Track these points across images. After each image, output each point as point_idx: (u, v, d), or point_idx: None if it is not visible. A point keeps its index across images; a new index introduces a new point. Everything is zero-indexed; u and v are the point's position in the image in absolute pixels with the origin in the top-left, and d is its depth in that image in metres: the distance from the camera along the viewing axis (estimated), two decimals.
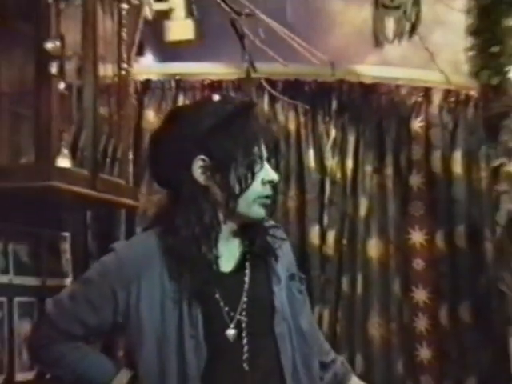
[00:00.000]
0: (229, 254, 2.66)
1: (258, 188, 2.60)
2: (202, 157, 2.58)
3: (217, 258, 2.62)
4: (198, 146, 2.58)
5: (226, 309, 2.60)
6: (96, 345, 2.91)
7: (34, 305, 3.74)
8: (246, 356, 2.59)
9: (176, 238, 2.59)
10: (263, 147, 2.63)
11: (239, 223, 2.65)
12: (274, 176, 2.64)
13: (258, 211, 2.63)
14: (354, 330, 4.42)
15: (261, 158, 2.61)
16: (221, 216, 2.62)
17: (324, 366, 2.84)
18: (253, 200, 2.61)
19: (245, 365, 2.59)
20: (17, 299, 3.65)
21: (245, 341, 2.59)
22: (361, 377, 4.18)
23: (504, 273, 4.51)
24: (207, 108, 2.65)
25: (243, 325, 2.60)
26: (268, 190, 2.63)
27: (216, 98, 2.71)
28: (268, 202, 2.64)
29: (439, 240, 4.50)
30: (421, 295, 4.50)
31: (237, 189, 2.58)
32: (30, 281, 3.76)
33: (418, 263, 4.50)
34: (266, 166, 2.63)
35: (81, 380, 2.71)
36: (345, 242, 4.46)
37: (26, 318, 3.68)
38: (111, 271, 2.66)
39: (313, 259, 4.38)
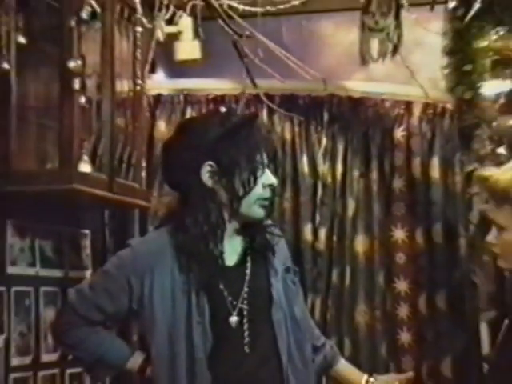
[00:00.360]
0: (232, 249, 2.69)
1: (258, 191, 2.63)
2: (210, 163, 2.60)
3: (222, 253, 2.64)
4: (206, 154, 2.60)
5: (230, 298, 2.62)
6: (112, 330, 2.91)
7: (57, 294, 3.75)
8: (246, 340, 2.61)
9: (186, 235, 2.61)
10: (264, 155, 2.64)
11: (241, 222, 2.67)
12: (273, 180, 2.66)
13: (259, 211, 2.65)
14: (342, 317, 4.43)
15: (262, 164, 2.62)
16: (226, 216, 2.64)
17: (315, 350, 2.86)
18: (254, 201, 2.63)
19: (246, 348, 2.61)
20: (42, 289, 3.66)
21: (246, 327, 2.61)
22: (348, 358, 4.21)
23: (476, 266, 4.52)
24: (215, 120, 2.67)
25: (244, 312, 2.62)
26: (268, 193, 2.65)
27: (222, 110, 2.74)
28: (267, 203, 2.66)
29: (419, 237, 4.51)
30: (402, 286, 4.50)
31: (240, 191, 2.60)
32: (54, 273, 3.77)
33: (400, 257, 4.51)
34: (267, 171, 2.65)
35: (100, 361, 2.73)
36: (335, 238, 4.46)
37: (50, 305, 3.68)
38: (127, 264, 2.68)
39: (306, 254, 4.39)
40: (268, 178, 2.66)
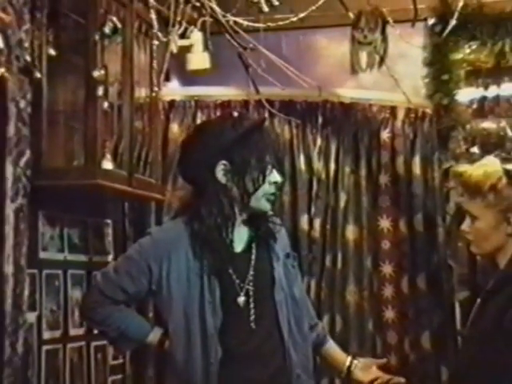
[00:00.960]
0: (239, 238, 2.68)
1: (266, 187, 2.62)
2: (224, 162, 2.60)
3: (231, 241, 2.62)
4: (221, 154, 2.59)
5: (237, 281, 2.61)
6: (133, 308, 2.89)
7: (83, 276, 3.74)
8: (252, 317, 2.60)
9: (201, 225, 2.60)
10: (272, 155, 2.63)
11: (249, 214, 2.66)
12: (278, 178, 2.66)
13: (265, 205, 2.65)
14: (334, 297, 4.41)
15: (270, 164, 2.61)
16: (237, 209, 2.62)
17: (310, 328, 2.83)
18: (261, 196, 2.63)
19: (252, 324, 2.60)
20: (70, 272, 3.65)
21: (252, 306, 2.61)
22: (339, 333, 4.27)
23: (451, 251, 4.50)
24: (229, 124, 2.65)
25: (250, 293, 2.61)
26: (273, 189, 2.65)
27: (235, 115, 2.73)
28: (273, 198, 2.66)
29: (402, 226, 4.49)
30: (387, 269, 4.49)
31: (250, 188, 2.60)
32: (80, 257, 3.76)
33: (385, 244, 4.49)
34: (273, 170, 2.63)
35: (123, 335, 2.72)
36: (328, 227, 4.44)
37: (77, 286, 3.68)
38: (147, 250, 2.67)
39: (302, 241, 4.37)
40: (274, 176, 2.65)
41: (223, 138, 2.60)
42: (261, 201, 2.63)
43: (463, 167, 2.80)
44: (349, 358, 2.85)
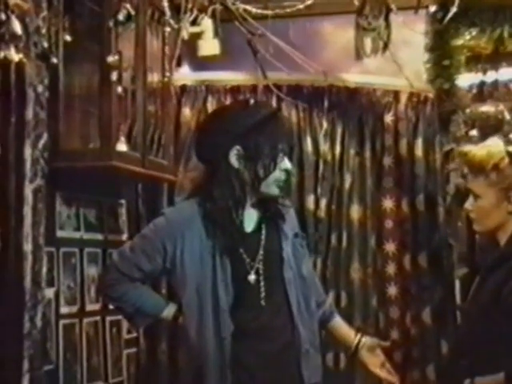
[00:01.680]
0: (250, 218, 2.67)
1: (276, 174, 2.62)
2: (238, 147, 2.59)
3: (242, 222, 2.61)
4: (235, 139, 2.58)
5: (248, 260, 2.61)
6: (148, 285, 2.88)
7: (98, 254, 3.74)
8: (263, 295, 2.60)
9: (213, 206, 2.60)
10: (285, 144, 2.61)
11: (259, 198, 2.65)
12: (289, 166, 2.65)
13: (275, 190, 2.65)
14: (339, 274, 4.39)
15: (282, 152, 2.60)
16: (247, 192, 2.61)
17: (317, 305, 2.82)
18: (272, 182, 2.62)
19: (262, 301, 2.60)
20: (86, 250, 3.65)
21: (262, 283, 2.60)
22: (344, 309, 4.26)
23: (452, 230, 4.49)
24: (245, 111, 2.65)
25: (260, 272, 2.61)
26: (284, 176, 2.65)
27: (251, 102, 2.71)
28: (282, 184, 2.64)
29: (404, 206, 4.47)
30: (390, 247, 4.47)
31: (261, 174, 2.59)
32: (96, 236, 3.76)
33: (389, 223, 4.47)
34: (285, 157, 2.61)
35: (139, 311, 2.73)
36: (333, 207, 4.42)
37: (92, 264, 3.68)
38: (162, 229, 2.66)
39: (309, 220, 4.35)
40: (285, 163, 2.64)
41: (239, 125, 2.59)
42: (271, 186, 2.62)
43: (468, 148, 2.82)
44: (357, 336, 2.82)
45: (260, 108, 2.68)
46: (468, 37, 4.60)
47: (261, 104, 2.94)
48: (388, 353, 2.92)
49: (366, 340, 2.82)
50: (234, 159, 2.60)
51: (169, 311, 2.72)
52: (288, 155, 2.65)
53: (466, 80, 4.69)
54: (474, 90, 4.78)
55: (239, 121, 2.59)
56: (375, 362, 2.80)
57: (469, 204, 2.74)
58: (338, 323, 2.89)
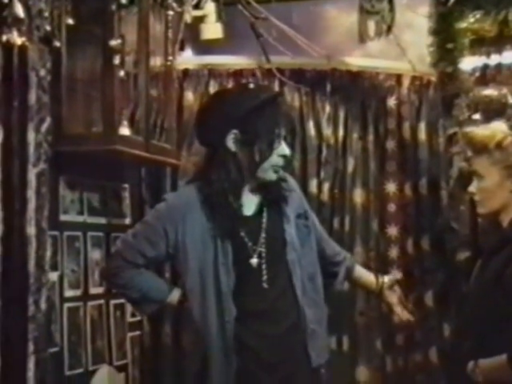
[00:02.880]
0: (250, 202, 2.68)
1: (274, 159, 2.62)
2: (235, 131, 2.59)
3: (241, 205, 2.63)
4: (232, 123, 2.59)
5: (250, 244, 2.61)
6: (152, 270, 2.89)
7: (102, 238, 3.75)
8: (265, 277, 2.61)
9: (210, 189, 2.61)
10: (283, 129, 2.61)
11: (258, 183, 2.65)
12: (287, 151, 2.64)
13: (272, 176, 2.65)
14: None
15: (279, 137, 2.59)
16: (244, 176, 2.61)
17: (338, 264, 2.91)
18: (269, 168, 2.62)
19: (264, 284, 2.61)
20: (89, 234, 3.66)
21: (264, 266, 2.61)
22: (347, 292, 4.23)
23: (454, 214, 4.49)
24: (244, 95, 2.64)
25: (263, 255, 2.62)
26: (281, 161, 2.65)
27: (251, 86, 2.70)
28: (280, 170, 2.64)
29: (407, 189, 4.46)
30: (393, 231, 4.46)
31: (257, 158, 2.58)
32: (99, 220, 3.77)
33: (391, 207, 4.46)
34: (283, 143, 2.61)
35: (144, 297, 2.74)
36: (336, 191, 4.42)
37: (96, 247, 3.69)
38: (163, 215, 2.67)
39: (312, 204, 4.25)
40: (283, 149, 2.64)
41: (236, 108, 2.58)
42: (268, 172, 2.63)
43: (471, 128, 2.82)
44: (380, 279, 2.92)
45: (259, 92, 2.67)
46: (472, 19, 4.57)
47: (261, 88, 2.92)
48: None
49: (387, 280, 2.93)
50: (231, 143, 2.60)
51: (173, 296, 2.73)
52: (287, 140, 2.64)
53: (469, 63, 4.66)
54: (477, 74, 4.74)
55: (237, 104, 2.59)
56: (395, 299, 2.90)
57: (473, 187, 2.75)
58: (360, 272, 3.00)
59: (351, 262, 2.98)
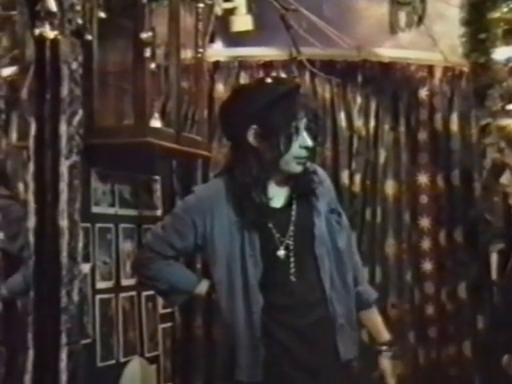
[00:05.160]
0: (279, 195, 2.66)
1: (296, 151, 2.59)
2: (255, 127, 2.59)
3: (267, 198, 2.62)
4: (251, 119, 2.58)
5: (278, 235, 2.60)
6: (181, 262, 2.90)
7: (134, 230, 3.76)
8: (292, 270, 2.59)
9: (234, 183, 2.61)
10: (302, 121, 2.59)
11: (283, 175, 2.64)
12: (308, 143, 2.62)
13: (296, 168, 2.62)
14: (374, 249, 4.40)
15: (297, 129, 2.57)
16: (268, 170, 2.60)
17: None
18: (291, 160, 2.60)
19: (291, 277, 2.59)
20: (121, 225, 3.67)
21: (292, 259, 2.59)
22: (379, 284, 4.25)
23: (488, 205, 4.46)
24: (261, 90, 2.63)
25: (291, 247, 2.60)
26: (304, 153, 2.62)
27: (268, 80, 2.70)
28: (303, 161, 2.62)
29: (439, 181, 4.46)
30: (425, 223, 4.46)
31: (277, 152, 2.58)
32: (131, 212, 3.78)
33: (423, 198, 4.46)
34: (304, 134, 2.60)
35: (173, 288, 2.74)
36: (368, 182, 4.42)
37: (128, 239, 3.70)
38: (192, 207, 2.68)
39: (344, 196, 4.33)
40: (304, 140, 2.60)
41: (252, 105, 2.58)
42: (291, 164, 2.60)
43: (505, 121, 2.79)
44: (383, 347, 2.74)
45: (276, 85, 2.65)
46: (505, 9, 4.54)
47: (278, 81, 2.91)
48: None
49: (390, 350, 2.74)
50: (251, 138, 2.60)
51: (202, 287, 2.73)
52: (311, 130, 2.63)
53: (502, 53, 4.63)
54: (511, 64, 4.70)
55: (253, 100, 2.58)
56: (390, 371, 2.73)
57: (505, 179, 2.72)
58: (371, 317, 2.79)
59: (367, 299, 2.78)
